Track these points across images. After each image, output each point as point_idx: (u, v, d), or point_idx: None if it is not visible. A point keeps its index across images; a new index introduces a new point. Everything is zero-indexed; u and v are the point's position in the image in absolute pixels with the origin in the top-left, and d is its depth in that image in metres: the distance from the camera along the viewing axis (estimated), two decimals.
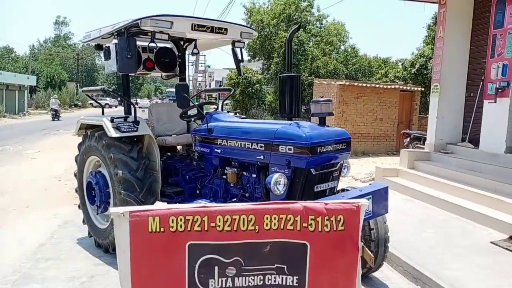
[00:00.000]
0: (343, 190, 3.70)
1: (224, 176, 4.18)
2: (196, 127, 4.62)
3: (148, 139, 4.64)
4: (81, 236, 5.25)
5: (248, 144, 3.72)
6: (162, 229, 1.44)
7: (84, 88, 5.34)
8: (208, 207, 1.49)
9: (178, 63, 5.57)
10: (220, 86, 35.20)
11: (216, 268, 1.50)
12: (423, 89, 14.42)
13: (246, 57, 30.79)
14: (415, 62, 17.85)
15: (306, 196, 3.42)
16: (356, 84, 13.16)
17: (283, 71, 25.93)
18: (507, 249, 4.60)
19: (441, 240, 4.93)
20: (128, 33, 4.24)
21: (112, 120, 4.38)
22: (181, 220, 1.44)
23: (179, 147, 5.44)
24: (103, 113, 5.24)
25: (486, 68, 7.18)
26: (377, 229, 3.73)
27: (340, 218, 1.53)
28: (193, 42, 5.25)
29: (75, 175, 5.20)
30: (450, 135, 8.30)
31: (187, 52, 5.63)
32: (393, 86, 13.72)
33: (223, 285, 1.51)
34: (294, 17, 28.06)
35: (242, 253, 1.50)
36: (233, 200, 3.96)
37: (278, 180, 3.26)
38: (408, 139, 12.42)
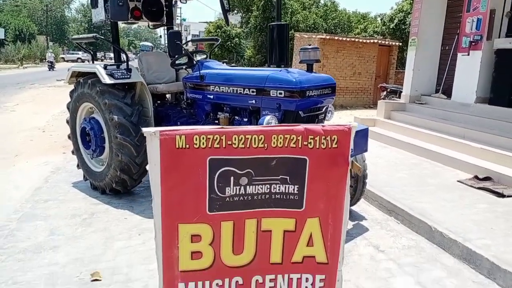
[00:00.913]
0: None
1: (216, 121, 4.43)
2: (187, 74, 4.80)
3: (140, 87, 4.81)
4: (75, 180, 5.48)
5: (240, 90, 3.96)
6: (187, 146, 1.70)
7: (75, 36, 5.38)
8: (226, 128, 1.76)
9: (165, 12, 5.63)
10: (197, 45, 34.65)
11: (232, 178, 1.79)
12: (400, 43, 14.71)
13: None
14: (394, 17, 18.02)
15: None
16: (336, 38, 13.33)
17: (262, 25, 25.70)
18: (471, 186, 5.10)
19: (413, 179, 5.41)
20: None
21: (105, 67, 4.52)
22: (203, 138, 1.70)
23: (168, 95, 5.61)
24: (93, 62, 5.34)
25: (461, 22, 7.47)
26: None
27: (334, 138, 1.83)
28: None
29: (67, 122, 5.34)
30: (425, 87, 8.72)
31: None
32: (372, 41, 13.96)
33: (237, 192, 1.82)
34: None
35: (253, 166, 1.80)
36: None
37: (269, 122, 3.54)
38: (384, 93, 12.83)
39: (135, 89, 4.80)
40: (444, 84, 8.32)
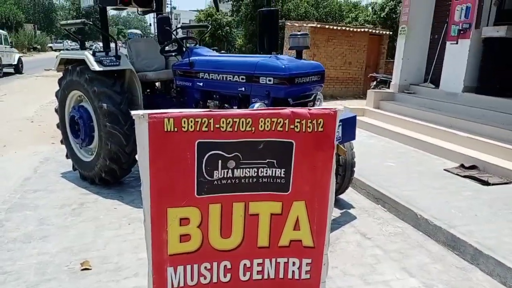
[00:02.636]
0: None
1: (206, 109, 4.43)
2: (176, 62, 4.78)
3: (129, 74, 4.78)
4: (64, 171, 5.45)
5: (230, 77, 3.96)
6: (175, 129, 1.72)
7: (63, 22, 5.29)
8: (213, 111, 1.78)
9: None
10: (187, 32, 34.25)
11: (220, 161, 1.81)
12: (391, 33, 14.73)
13: None
14: (384, 5, 18.02)
15: None
16: (327, 26, 13.30)
17: (253, 13, 25.51)
18: (457, 174, 5.19)
19: (400, 168, 5.48)
20: None
21: (94, 54, 4.48)
22: (191, 121, 1.72)
23: (157, 83, 5.59)
24: (83, 48, 5.28)
25: (450, 10, 7.51)
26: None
27: (320, 121, 1.85)
28: None
29: (56, 110, 5.30)
30: (414, 76, 8.77)
31: None
32: (362, 30, 13.97)
33: (225, 176, 1.84)
34: None
35: (241, 150, 1.82)
36: None
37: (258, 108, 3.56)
38: (374, 83, 12.87)
39: (125, 77, 4.77)
40: (433, 74, 8.38)
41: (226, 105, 4.21)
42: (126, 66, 4.64)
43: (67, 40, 47.32)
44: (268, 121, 1.79)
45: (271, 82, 3.62)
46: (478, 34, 7.00)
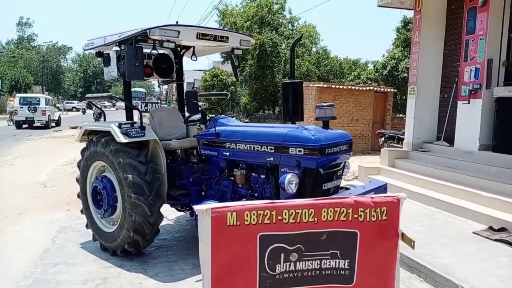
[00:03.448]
0: (346, 188, 4.01)
1: (232, 178, 4.41)
2: (201, 131, 4.82)
3: (153, 144, 4.81)
4: (83, 241, 5.33)
5: (258, 147, 3.97)
6: (238, 223, 1.67)
7: (88, 95, 5.41)
8: (276, 203, 1.74)
9: (175, 69, 5.76)
10: (193, 87, 35.15)
11: (282, 254, 1.75)
12: (395, 90, 15.06)
13: (219, 58, 30.98)
14: (386, 64, 18.59)
15: (315, 194, 3.70)
16: (333, 86, 13.64)
17: (257, 73, 26.30)
18: (488, 238, 5.04)
19: (429, 232, 5.34)
20: (136, 42, 4.41)
21: (120, 126, 4.53)
22: (253, 214, 1.68)
23: (178, 151, 5.61)
24: (104, 119, 5.37)
25: (459, 71, 7.71)
26: None
27: (384, 210, 1.81)
28: (191, 49, 5.47)
29: (77, 180, 5.28)
30: (426, 134, 8.83)
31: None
32: (368, 88, 14.29)
33: (287, 269, 1.76)
34: (266, 19, 28.47)
35: (303, 242, 1.76)
36: (243, 200, 4.20)
37: (291, 180, 3.53)
38: (383, 139, 12.97)
39: (148, 146, 4.79)
40: (446, 132, 8.43)
41: (254, 174, 4.19)
42: (151, 137, 4.68)
43: (73, 102, 48.53)
44: (331, 211, 1.75)
45: (302, 153, 3.62)
46: (490, 94, 7.12)
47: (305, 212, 1.72)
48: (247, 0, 31.30)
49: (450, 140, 8.21)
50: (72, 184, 8.97)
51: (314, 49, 32.40)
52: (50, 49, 68.83)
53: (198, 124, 4.88)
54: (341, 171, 3.99)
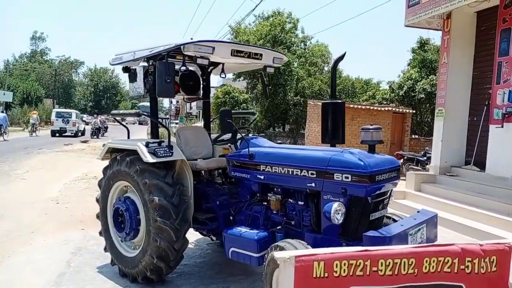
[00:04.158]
0: (394, 220, 3.69)
1: (265, 203, 4.11)
2: (231, 152, 4.55)
3: (180, 164, 4.55)
4: (100, 264, 5.04)
5: (297, 171, 3.68)
6: (326, 274, 1.38)
7: (114, 112, 5.18)
8: (370, 250, 1.44)
9: (202, 86, 5.53)
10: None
11: None
12: (413, 111, 14.78)
13: (231, 76, 30.92)
14: (403, 84, 18.35)
15: (361, 225, 3.40)
16: (352, 106, 13.40)
17: (269, 91, 26.17)
18: None
19: None
20: (170, 57, 4.19)
21: (147, 145, 4.27)
22: (344, 264, 1.39)
23: (202, 171, 5.34)
24: (128, 137, 5.12)
25: (492, 94, 7.42)
26: None
27: (494, 259, 1.52)
28: (220, 65, 5.25)
29: (97, 200, 5.01)
30: (454, 158, 8.50)
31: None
32: (386, 108, 14.04)
33: None
34: (279, 38, 28.45)
35: None
36: (277, 228, 3.89)
37: (337, 209, 3.23)
38: (401, 161, 12.63)
39: (175, 167, 4.52)
40: (475, 156, 8.10)
41: (290, 200, 3.89)
42: (179, 157, 4.42)
43: (83, 115, 48.69)
44: (434, 261, 1.46)
45: (349, 180, 3.33)
46: None
47: (404, 262, 1.43)
48: (260, 19, 31.45)
49: (480, 165, 7.87)
50: (85, 201, 8.77)
51: (326, 68, 32.28)
52: (62, 63, 69.61)
53: (229, 145, 4.61)
54: (387, 199, 3.68)
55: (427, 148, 12.92)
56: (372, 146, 3.66)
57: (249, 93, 29.33)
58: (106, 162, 4.90)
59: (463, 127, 8.51)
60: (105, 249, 4.91)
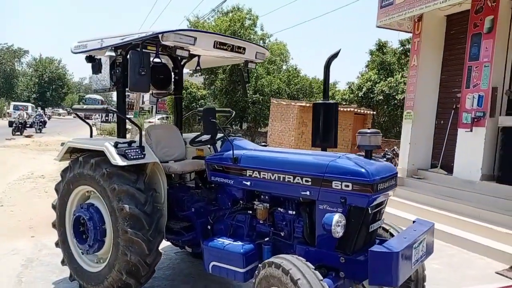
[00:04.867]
0: (391, 234, 3.46)
1: (250, 211, 3.73)
2: (212, 154, 4.13)
3: (152, 167, 4.08)
4: (57, 279, 4.46)
5: (289, 178, 3.34)
6: None
7: (77, 106, 4.56)
8: None
9: (174, 80, 5.07)
10: (157, 100, 33.53)
11: None
12: (374, 112, 14.96)
13: (187, 71, 30.00)
14: (362, 85, 18.59)
15: (360, 238, 3.13)
16: None
17: (228, 88, 25.72)
18: None
19: (448, 272, 4.91)
20: (143, 47, 3.70)
21: (116, 146, 3.76)
22: None
23: (173, 174, 4.88)
24: (91, 135, 4.56)
25: (461, 97, 7.48)
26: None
27: None
28: (194, 58, 4.81)
29: (54, 207, 4.41)
30: (421, 161, 8.55)
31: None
32: (348, 109, 14.07)
33: None
34: (239, 34, 28.03)
35: None
36: (265, 239, 3.54)
37: (339, 221, 2.92)
38: None
39: (145, 170, 4.05)
40: (443, 159, 8.17)
41: (280, 209, 3.53)
42: (152, 159, 3.94)
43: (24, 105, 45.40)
44: None
45: (349, 188, 3.03)
46: (494, 123, 6.92)
47: None
48: (219, 14, 30.88)
49: (447, 168, 7.95)
50: (33, 204, 7.97)
51: (284, 67, 32.31)
52: (4, 51, 65.01)
53: (209, 147, 4.20)
54: (384, 208, 3.44)
55: (386, 149, 13.08)
56: (368, 152, 3.41)
57: (207, 89, 28.74)
58: (58, 162, 4.34)
59: (430, 130, 8.58)
60: (63, 262, 4.34)
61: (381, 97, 17.40)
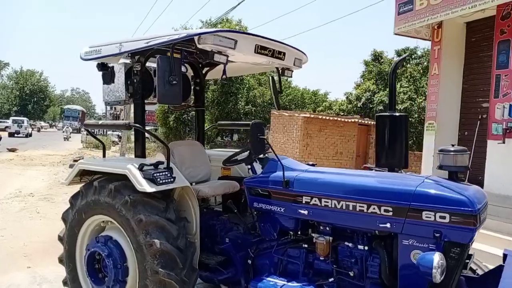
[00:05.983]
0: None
1: (305, 245, 3.12)
2: (251, 176, 3.50)
3: (180, 191, 3.44)
4: None
5: (362, 207, 2.74)
6: None
7: (90, 122, 3.87)
8: None
9: (195, 91, 4.47)
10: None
11: None
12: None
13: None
14: (361, 96, 18.24)
15: (454, 281, 2.55)
16: (320, 117, 12.82)
17: (220, 99, 25.10)
18: None
19: None
20: (174, 51, 3.09)
21: (141, 168, 3.11)
22: None
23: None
24: (104, 155, 3.89)
25: (489, 108, 7.04)
26: None
27: None
28: (217, 66, 4.22)
29: (60, 239, 3.72)
30: (446, 175, 8.04)
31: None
32: (352, 120, 13.63)
33: None
34: None
35: None
36: (329, 280, 2.92)
37: (440, 263, 2.33)
38: None
39: (173, 196, 3.40)
40: (470, 172, 7.68)
41: (348, 244, 2.93)
42: (182, 183, 3.31)
43: (6, 121, 43.68)
44: None
45: (446, 220, 2.46)
46: None
47: None
48: (206, 25, 30.38)
49: (475, 182, 7.43)
50: (25, 227, 7.17)
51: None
52: None
53: (249, 168, 3.57)
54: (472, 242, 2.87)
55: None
56: (454, 173, 2.85)
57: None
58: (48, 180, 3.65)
59: (453, 142, 8.10)
60: None
61: (380, 107, 17.04)
